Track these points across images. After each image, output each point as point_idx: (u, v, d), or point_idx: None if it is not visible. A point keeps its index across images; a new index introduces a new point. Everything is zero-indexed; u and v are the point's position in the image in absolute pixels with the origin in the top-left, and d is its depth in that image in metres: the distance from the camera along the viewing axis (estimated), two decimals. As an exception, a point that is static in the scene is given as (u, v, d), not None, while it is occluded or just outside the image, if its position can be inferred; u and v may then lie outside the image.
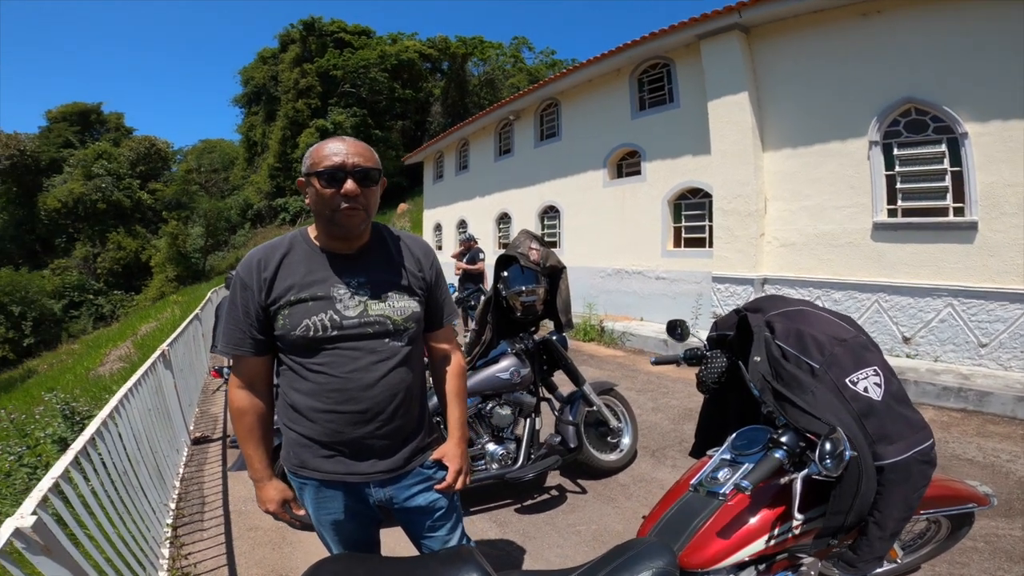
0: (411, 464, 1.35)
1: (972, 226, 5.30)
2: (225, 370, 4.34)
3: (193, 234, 30.77)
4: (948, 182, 5.51)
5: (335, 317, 1.23)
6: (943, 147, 5.55)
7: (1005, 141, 5.12)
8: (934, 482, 1.49)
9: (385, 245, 1.35)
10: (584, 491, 3.19)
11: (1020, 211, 5.02)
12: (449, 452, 1.40)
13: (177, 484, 3.36)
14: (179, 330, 4.88)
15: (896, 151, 5.86)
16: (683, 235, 8.31)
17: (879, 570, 1.56)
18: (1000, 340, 5.10)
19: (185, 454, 3.86)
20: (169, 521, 2.84)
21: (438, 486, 1.37)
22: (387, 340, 1.27)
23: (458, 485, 1.39)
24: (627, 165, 9.30)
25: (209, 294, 9.96)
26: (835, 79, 6.28)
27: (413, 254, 1.38)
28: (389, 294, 1.29)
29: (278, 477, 1.38)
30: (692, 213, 8.15)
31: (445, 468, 1.40)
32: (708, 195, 7.65)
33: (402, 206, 24.13)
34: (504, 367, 2.95)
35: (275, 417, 1.40)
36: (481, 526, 2.84)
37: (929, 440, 1.29)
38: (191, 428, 4.38)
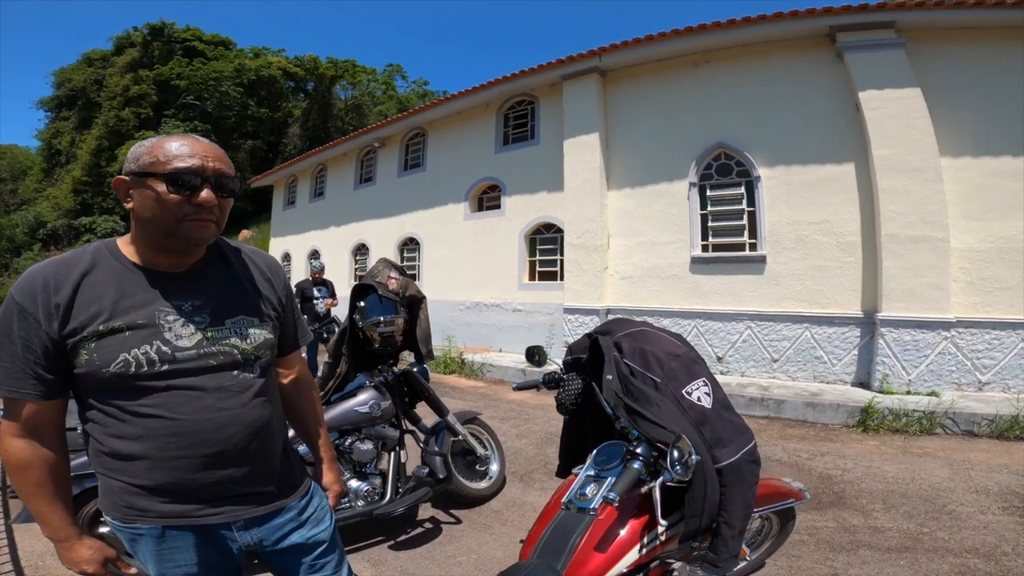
0: (281, 502, 1.17)
1: (762, 259, 6.46)
2: None
3: (-42, 255, 24.32)
4: (745, 220, 6.67)
5: (164, 349, 1.01)
6: (742, 189, 6.69)
7: (786, 184, 6.35)
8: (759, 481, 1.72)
9: (225, 261, 1.15)
10: (459, 521, 3.12)
11: (796, 246, 6.27)
12: (328, 479, 1.34)
13: (-58, 540, 2.63)
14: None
15: (709, 192, 6.93)
16: (538, 268, 8.79)
17: (735, 568, 1.75)
18: (787, 355, 6.23)
19: (-55, 507, 3.05)
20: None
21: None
22: (236, 372, 1.08)
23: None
24: (488, 199, 9.64)
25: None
26: (667, 123, 7.26)
27: (261, 271, 1.20)
28: (235, 319, 1.10)
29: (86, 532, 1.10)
30: (546, 247, 8.68)
31: (314, 498, 1.26)
32: (560, 230, 8.25)
33: (245, 232, 22.05)
34: (362, 400, 2.82)
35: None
36: (356, 567, 2.58)
37: (752, 441, 1.50)
38: (-53, 478, 3.46)
